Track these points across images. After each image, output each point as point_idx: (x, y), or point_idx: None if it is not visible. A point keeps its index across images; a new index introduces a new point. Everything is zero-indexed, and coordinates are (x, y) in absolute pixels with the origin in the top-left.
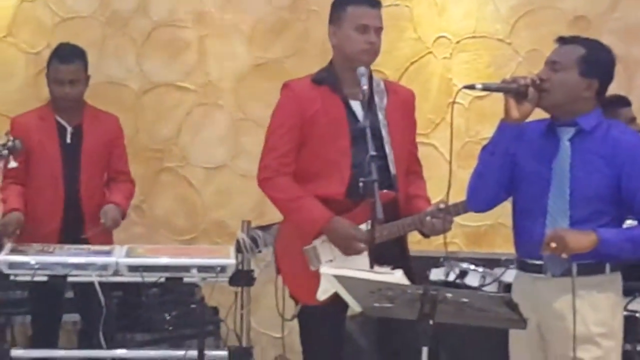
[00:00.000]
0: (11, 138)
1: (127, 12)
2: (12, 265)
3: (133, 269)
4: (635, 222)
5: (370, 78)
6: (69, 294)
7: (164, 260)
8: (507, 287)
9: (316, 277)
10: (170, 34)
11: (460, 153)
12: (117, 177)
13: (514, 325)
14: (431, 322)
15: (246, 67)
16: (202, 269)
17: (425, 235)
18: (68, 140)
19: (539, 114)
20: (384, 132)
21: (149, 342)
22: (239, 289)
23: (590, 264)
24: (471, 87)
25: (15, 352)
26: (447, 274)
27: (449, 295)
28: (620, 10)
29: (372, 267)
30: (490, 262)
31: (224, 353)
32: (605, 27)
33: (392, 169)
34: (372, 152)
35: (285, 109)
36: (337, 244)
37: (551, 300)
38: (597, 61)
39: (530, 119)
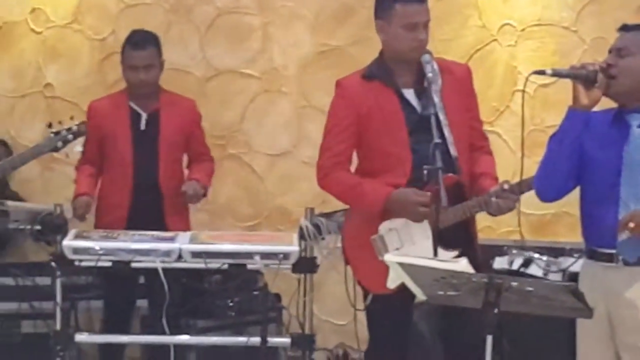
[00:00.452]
0: (75, 123)
1: None
2: (76, 250)
3: (196, 255)
4: None
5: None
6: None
7: (227, 247)
8: (572, 276)
9: (385, 266)
10: (234, 21)
11: (525, 141)
12: (198, 157)
13: (580, 315)
14: (496, 310)
15: (310, 54)
16: (265, 255)
17: (493, 215)
18: (142, 127)
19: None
20: (442, 116)
21: (212, 328)
22: (302, 276)
23: None
24: (541, 72)
25: (79, 337)
26: (511, 263)
27: (514, 283)
28: None
29: (435, 254)
30: (554, 251)
31: (286, 340)
32: None
33: (453, 151)
34: (437, 140)
35: (338, 108)
36: (402, 213)
37: (622, 289)
38: None
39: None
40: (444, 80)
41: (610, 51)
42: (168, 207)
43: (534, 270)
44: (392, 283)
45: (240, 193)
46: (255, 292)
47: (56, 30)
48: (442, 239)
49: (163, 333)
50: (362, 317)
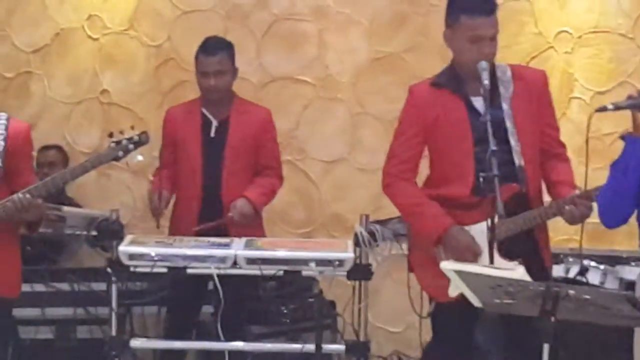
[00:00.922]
0: (136, 132)
1: (247, 5)
2: (132, 256)
3: (251, 261)
4: None
5: (494, 67)
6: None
7: (282, 254)
8: (629, 285)
9: None
10: (289, 28)
11: (582, 149)
12: (263, 171)
13: (637, 324)
14: (553, 319)
15: (365, 61)
16: (320, 262)
17: (569, 223)
18: (212, 134)
19: None
20: (509, 123)
21: (266, 335)
22: (357, 283)
23: None
24: (603, 109)
25: (134, 343)
26: (567, 271)
27: (571, 292)
28: None
29: (491, 262)
30: (611, 259)
31: (341, 347)
32: None
33: (517, 160)
34: (493, 147)
35: (407, 116)
36: (454, 251)
37: None
38: None
39: None
40: (515, 87)
41: None
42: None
43: (591, 278)
44: (453, 291)
45: (295, 199)
46: (310, 299)
47: (112, 37)
48: (504, 248)
49: (217, 339)
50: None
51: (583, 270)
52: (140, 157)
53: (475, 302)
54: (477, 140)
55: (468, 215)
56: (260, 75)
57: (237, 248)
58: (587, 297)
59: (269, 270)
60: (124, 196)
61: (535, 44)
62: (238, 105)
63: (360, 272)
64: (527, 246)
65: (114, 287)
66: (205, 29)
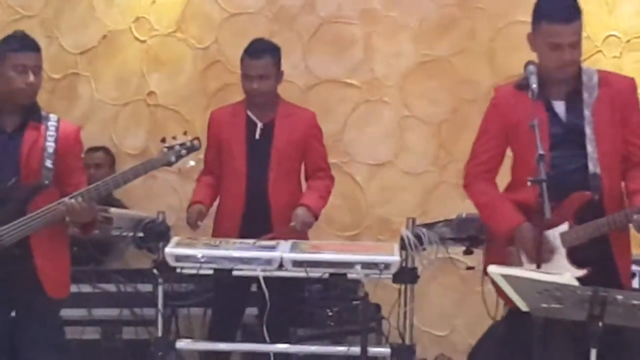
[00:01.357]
0: (189, 138)
1: (294, 8)
2: (178, 258)
3: (297, 264)
4: None
5: (580, 72)
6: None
7: (328, 256)
8: None
9: None
10: (336, 31)
11: None
12: (314, 174)
13: None
14: (601, 324)
15: (411, 64)
16: (366, 265)
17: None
18: (257, 137)
19: None
20: (588, 129)
21: (311, 337)
22: (403, 286)
23: None
24: None
25: (179, 344)
26: None
27: (619, 296)
28: None
29: (538, 267)
30: None
31: (386, 350)
32: None
33: (592, 167)
34: (541, 152)
35: (489, 116)
36: (522, 249)
37: None
38: None
39: None
40: (600, 93)
41: None
42: (276, 218)
43: None
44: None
45: (340, 203)
46: (356, 302)
47: (159, 39)
48: (574, 256)
49: (263, 341)
50: (461, 327)
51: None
52: (192, 163)
53: (523, 306)
54: (553, 145)
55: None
56: (307, 78)
57: (284, 250)
58: (636, 302)
59: (315, 273)
60: (170, 198)
61: (583, 48)
62: (283, 108)
63: (406, 275)
64: (599, 254)
65: (160, 289)
66: (252, 31)
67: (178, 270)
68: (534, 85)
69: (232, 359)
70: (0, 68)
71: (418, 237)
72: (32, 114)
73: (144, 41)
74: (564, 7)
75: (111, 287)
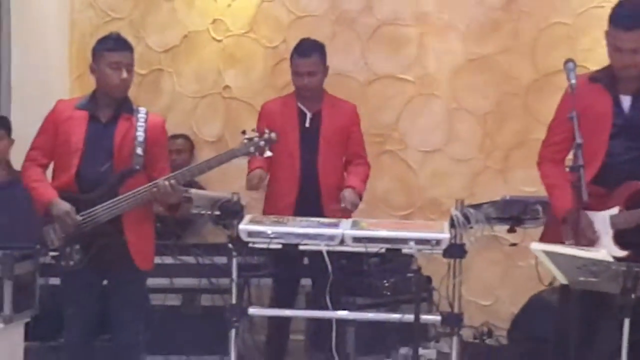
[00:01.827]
0: (267, 131)
1: (354, 12)
2: (250, 233)
3: (357, 240)
4: None
5: None
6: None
7: (385, 233)
8: None
9: None
10: (392, 31)
11: None
12: (353, 160)
13: None
14: (633, 296)
15: (461, 62)
16: (419, 241)
17: None
18: (307, 125)
19: None
20: None
21: (369, 305)
22: (452, 260)
23: None
24: None
25: (252, 310)
26: None
27: None
28: None
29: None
30: None
31: (437, 317)
32: None
33: None
34: (579, 140)
35: (563, 102)
36: (571, 235)
37: None
38: None
39: None
40: None
41: None
42: (326, 197)
43: None
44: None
45: (395, 185)
46: (409, 274)
47: (234, 39)
48: (620, 238)
49: (326, 308)
50: (504, 297)
51: None
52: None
53: (562, 279)
54: (613, 135)
55: (596, 203)
56: (366, 74)
57: (345, 228)
58: None
59: (373, 248)
60: (243, 180)
61: None
62: (328, 100)
63: (455, 250)
64: None
65: (234, 261)
66: (317, 32)
67: (250, 245)
68: (573, 81)
69: (299, 325)
70: (97, 65)
71: (466, 217)
72: (124, 107)
73: (220, 41)
74: (626, 16)
75: (190, 260)
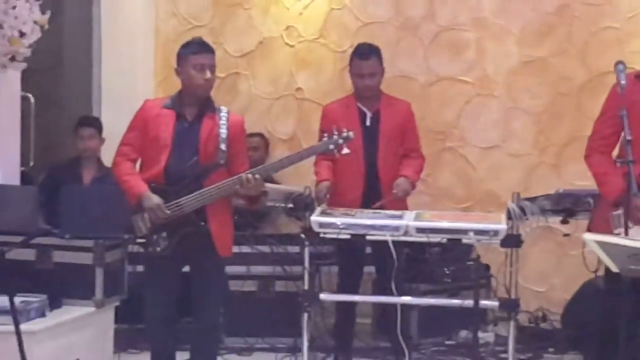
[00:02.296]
0: (345, 130)
1: (417, 18)
2: (321, 225)
3: (420, 230)
4: None
5: None
6: (368, 250)
7: (446, 224)
8: None
9: None
10: (453, 36)
11: None
12: (409, 153)
13: None
14: None
15: (516, 64)
16: (478, 232)
17: None
18: (367, 124)
19: None
20: None
21: (431, 291)
22: (509, 250)
23: None
24: None
25: (323, 296)
26: None
27: None
28: None
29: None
30: None
31: (495, 303)
32: None
33: None
34: (628, 137)
35: (612, 95)
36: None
37: None
38: None
39: None
40: None
41: None
42: (386, 190)
43: None
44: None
45: (456, 179)
46: (469, 263)
47: (306, 44)
48: None
49: (391, 294)
50: (557, 284)
51: None
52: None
53: (613, 267)
54: None
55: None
56: (428, 76)
57: (409, 219)
58: None
59: (435, 238)
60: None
61: None
62: (385, 99)
63: (512, 241)
64: None
65: (306, 250)
66: (382, 37)
67: (321, 235)
68: (623, 82)
69: (366, 309)
70: (182, 68)
71: (522, 209)
72: (207, 106)
73: (292, 46)
74: None
75: (266, 249)
